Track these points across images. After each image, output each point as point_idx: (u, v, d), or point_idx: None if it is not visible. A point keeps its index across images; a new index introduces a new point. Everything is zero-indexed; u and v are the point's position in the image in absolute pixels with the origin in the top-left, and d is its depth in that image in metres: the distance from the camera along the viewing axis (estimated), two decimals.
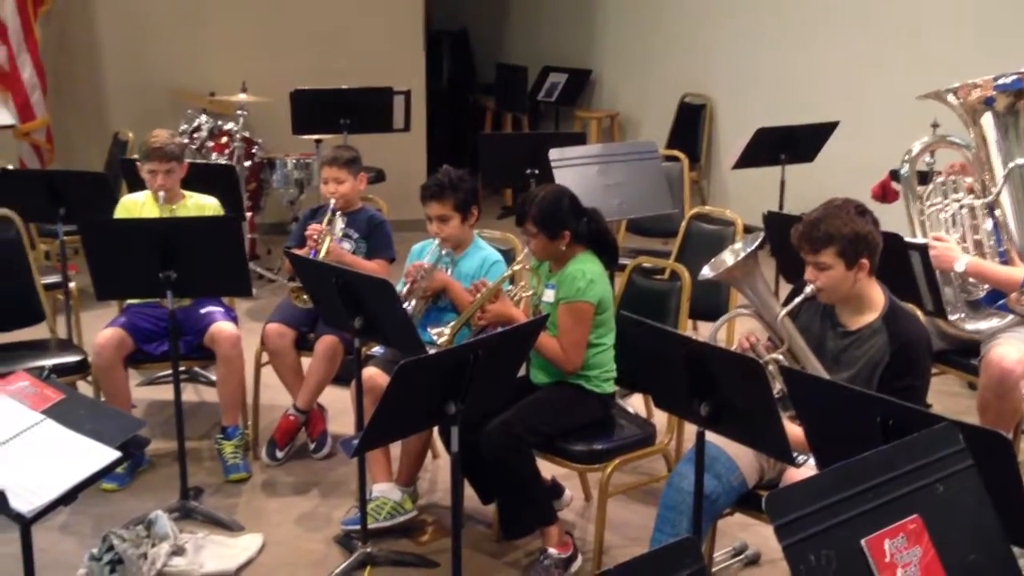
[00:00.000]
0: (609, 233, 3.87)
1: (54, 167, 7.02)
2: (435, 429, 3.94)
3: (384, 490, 3.92)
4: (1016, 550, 1.97)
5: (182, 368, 4.37)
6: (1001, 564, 1.84)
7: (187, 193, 4.52)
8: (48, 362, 4.17)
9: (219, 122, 6.99)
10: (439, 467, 4.41)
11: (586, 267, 3.67)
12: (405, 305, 3.84)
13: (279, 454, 4.46)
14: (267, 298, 6.30)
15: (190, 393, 5.14)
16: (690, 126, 8.49)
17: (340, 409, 4.61)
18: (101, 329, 4.35)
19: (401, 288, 3.93)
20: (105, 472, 2.63)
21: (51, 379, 2.91)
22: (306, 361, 4.55)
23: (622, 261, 4.23)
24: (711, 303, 4.46)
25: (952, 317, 3.97)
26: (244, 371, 4.42)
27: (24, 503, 2.45)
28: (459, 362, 2.89)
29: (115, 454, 2.62)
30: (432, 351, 3.42)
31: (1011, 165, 3.94)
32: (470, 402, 2.94)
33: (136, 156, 4.65)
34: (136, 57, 7.60)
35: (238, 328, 4.40)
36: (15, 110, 6.94)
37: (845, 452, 1.89)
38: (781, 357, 3.13)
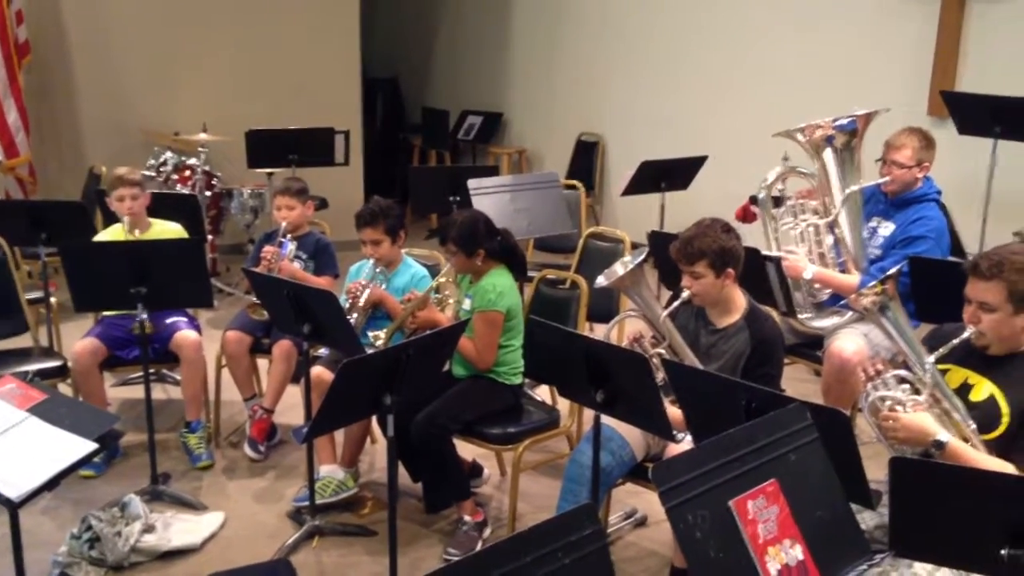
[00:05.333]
0: (518, 250, 3.89)
1: (36, 198, 6.79)
2: (374, 418, 3.91)
3: (330, 471, 3.88)
4: (853, 507, 2.02)
5: (151, 370, 4.26)
6: (842, 518, 1.89)
7: (153, 221, 4.43)
8: (32, 367, 4.02)
9: (183, 157, 6.83)
10: (377, 451, 4.37)
11: (497, 281, 3.68)
12: (348, 317, 3.80)
13: (262, 448, 4.35)
14: (226, 309, 6.18)
15: (159, 392, 5.01)
16: (586, 160, 8.54)
17: (291, 404, 4.53)
18: (79, 338, 4.23)
19: (344, 303, 3.90)
20: (83, 462, 2.56)
21: (35, 381, 2.83)
22: (260, 363, 4.47)
23: (530, 274, 4.25)
24: (605, 307, 4.49)
25: (801, 316, 4.06)
26: (205, 372, 4.33)
27: (12, 489, 2.38)
28: (393, 360, 2.87)
29: (92, 446, 2.55)
30: (370, 352, 3.40)
31: (847, 191, 4.03)
32: (403, 394, 2.92)
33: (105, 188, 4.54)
34: (109, 101, 7.40)
35: (200, 335, 4.31)
36: (1, 149, 6.70)
37: (716, 429, 1.92)
38: (663, 351, 3.16)
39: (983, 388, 2.65)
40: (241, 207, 6.81)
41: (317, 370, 3.83)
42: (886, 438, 2.66)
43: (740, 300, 3.23)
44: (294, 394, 4.32)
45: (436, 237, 7.89)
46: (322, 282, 4.32)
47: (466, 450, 3.79)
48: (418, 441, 3.52)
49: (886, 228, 4.06)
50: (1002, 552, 1.85)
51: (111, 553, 3.43)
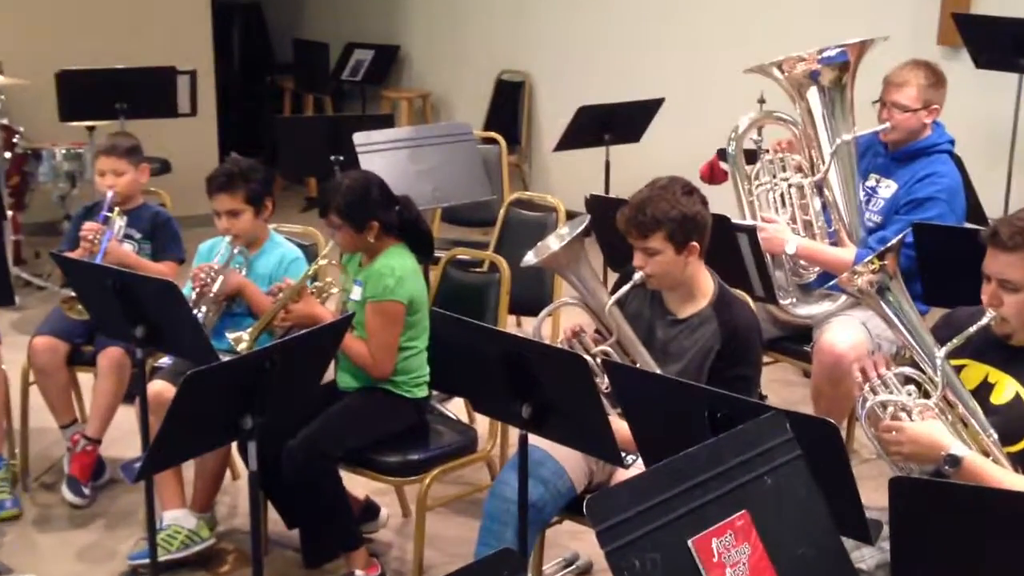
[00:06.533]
0: (423, 223, 3.88)
1: None
2: (234, 446, 3.87)
3: (176, 517, 3.84)
4: (848, 542, 2.05)
5: None
6: (832, 556, 1.91)
7: None
8: None
9: None
10: (240, 489, 4.32)
11: (396, 262, 3.66)
12: (195, 312, 3.75)
13: (85, 490, 4.26)
14: (36, 307, 6.06)
15: None
16: (508, 105, 8.56)
17: (125, 430, 4.45)
18: None
19: (189, 293, 3.84)
20: None
21: None
22: (82, 378, 4.38)
23: (437, 253, 4.24)
24: (534, 296, 4.50)
25: (783, 302, 4.10)
26: (5, 394, 4.24)
27: None
28: (253, 370, 2.84)
29: None
30: (226, 359, 3.35)
31: (838, 141, 4.09)
32: (268, 414, 2.89)
33: None
34: None
35: None
36: None
37: (673, 448, 1.93)
38: (610, 349, 3.18)
39: (1006, 387, 2.72)
40: (53, 173, 6.66)
41: (157, 386, 3.78)
42: (888, 453, 2.71)
43: (707, 283, 3.27)
44: (128, 418, 4.25)
45: (314, 208, 7.81)
46: (161, 269, 4.27)
47: (357, 484, 3.77)
48: (293, 475, 3.49)
49: (887, 188, 4.14)
50: None
51: None
